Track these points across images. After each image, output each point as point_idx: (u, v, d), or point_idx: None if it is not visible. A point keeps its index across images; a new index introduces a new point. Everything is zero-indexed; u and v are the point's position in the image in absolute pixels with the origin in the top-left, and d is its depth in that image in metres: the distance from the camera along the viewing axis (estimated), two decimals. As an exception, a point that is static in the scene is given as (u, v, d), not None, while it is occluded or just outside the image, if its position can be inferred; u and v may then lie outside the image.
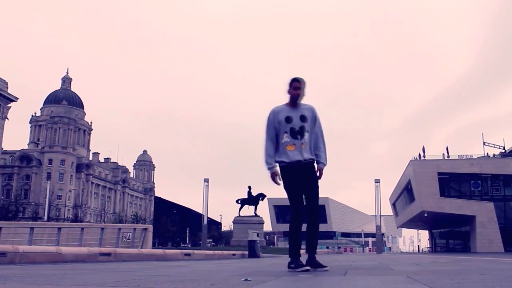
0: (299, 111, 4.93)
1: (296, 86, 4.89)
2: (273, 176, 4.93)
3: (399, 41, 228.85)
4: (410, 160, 49.12)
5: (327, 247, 62.72)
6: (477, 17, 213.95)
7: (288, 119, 4.88)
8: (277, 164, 4.96)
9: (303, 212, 4.95)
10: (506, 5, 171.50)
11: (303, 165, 4.90)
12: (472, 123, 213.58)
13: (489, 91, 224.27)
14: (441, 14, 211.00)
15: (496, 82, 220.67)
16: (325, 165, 5.04)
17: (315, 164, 5.02)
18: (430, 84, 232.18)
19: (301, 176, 4.90)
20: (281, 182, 4.96)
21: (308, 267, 4.79)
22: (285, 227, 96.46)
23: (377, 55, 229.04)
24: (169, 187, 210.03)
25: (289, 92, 4.95)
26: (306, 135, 4.91)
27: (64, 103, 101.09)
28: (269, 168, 4.93)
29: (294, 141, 4.87)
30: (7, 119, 73.13)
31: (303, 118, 4.91)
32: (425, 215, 49.11)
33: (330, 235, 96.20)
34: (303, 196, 4.95)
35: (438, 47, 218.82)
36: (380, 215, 40.56)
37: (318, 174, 5.00)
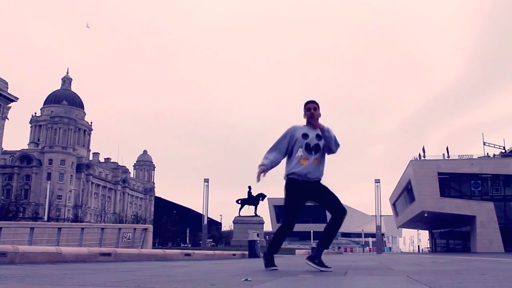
0: (316, 131, 5.18)
1: (309, 107, 5.21)
2: (260, 172, 5.12)
3: (392, 48, 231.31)
4: (410, 160, 49.07)
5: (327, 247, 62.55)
6: (467, 24, 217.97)
7: (305, 136, 5.15)
8: (268, 164, 5.16)
9: (290, 230, 5.22)
10: (496, 11, 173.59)
11: (312, 182, 5.09)
12: (467, 126, 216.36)
13: (481, 96, 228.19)
14: (432, 22, 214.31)
15: (487, 86, 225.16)
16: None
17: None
18: (423, 90, 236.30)
19: (306, 194, 5.12)
20: (262, 179, 5.18)
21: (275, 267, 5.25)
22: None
23: (371, 62, 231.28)
24: (169, 187, 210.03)
25: (305, 115, 5.26)
26: (320, 153, 5.16)
27: (64, 103, 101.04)
28: (261, 164, 5.16)
29: (307, 155, 5.08)
30: (7, 119, 73.15)
31: (319, 137, 5.15)
32: (425, 215, 49.09)
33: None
34: (298, 215, 5.22)
35: (429, 54, 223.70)
36: (380, 215, 40.53)
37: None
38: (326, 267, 4.93)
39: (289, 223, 5.17)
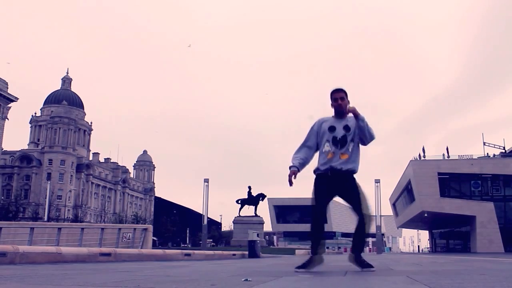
0: (344, 122, 4.88)
1: (335, 98, 4.88)
2: (290, 174, 4.86)
3: (391, 50, 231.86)
4: (410, 160, 49.06)
5: (327, 247, 62.73)
6: (464, 25, 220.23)
7: (332, 129, 4.86)
8: (298, 166, 4.89)
9: (321, 226, 4.91)
10: (493, 12, 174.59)
11: (339, 173, 4.78)
12: (466, 126, 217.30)
13: (480, 96, 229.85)
14: (430, 23, 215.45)
15: (486, 87, 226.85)
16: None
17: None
18: (422, 90, 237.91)
19: (332, 186, 4.81)
20: (293, 182, 4.89)
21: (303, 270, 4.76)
22: (285, 227, 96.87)
23: (370, 63, 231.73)
24: (169, 187, 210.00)
25: (331, 105, 4.94)
26: (351, 146, 4.82)
27: (64, 103, 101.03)
28: (290, 167, 4.90)
29: (334, 149, 4.81)
30: (7, 119, 73.12)
31: (347, 128, 4.83)
32: (425, 215, 49.07)
33: (330, 235, 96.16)
34: (327, 208, 4.93)
35: (427, 55, 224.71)
36: (380, 215, 40.60)
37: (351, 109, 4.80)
38: (369, 266, 4.80)
39: (314, 222, 4.87)
